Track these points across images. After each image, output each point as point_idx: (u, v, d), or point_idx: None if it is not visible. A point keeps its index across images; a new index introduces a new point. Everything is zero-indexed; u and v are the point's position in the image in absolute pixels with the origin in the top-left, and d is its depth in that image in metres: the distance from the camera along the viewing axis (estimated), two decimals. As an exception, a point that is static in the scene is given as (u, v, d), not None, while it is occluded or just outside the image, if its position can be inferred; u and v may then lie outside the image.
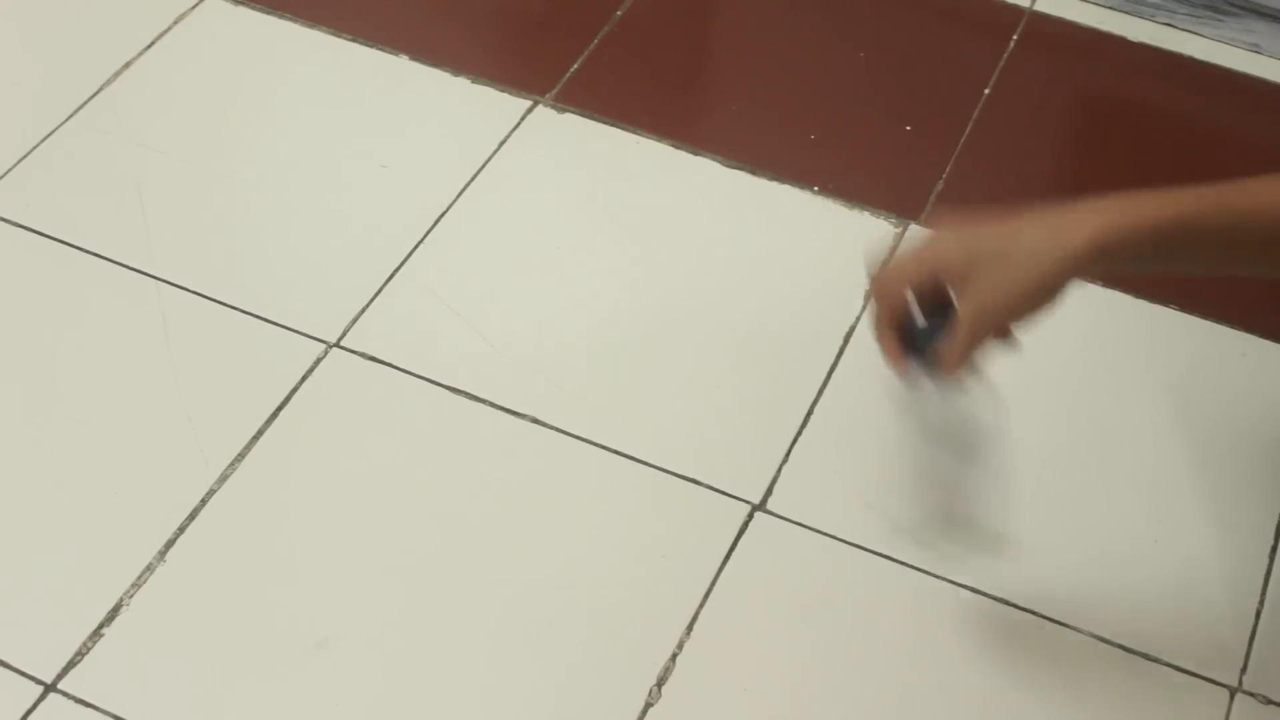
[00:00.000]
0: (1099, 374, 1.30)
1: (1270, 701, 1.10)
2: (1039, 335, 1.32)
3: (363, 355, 1.28)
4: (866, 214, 1.41)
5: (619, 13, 1.59)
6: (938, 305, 0.94)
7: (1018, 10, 1.62)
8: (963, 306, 0.91)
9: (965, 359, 0.93)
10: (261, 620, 1.11)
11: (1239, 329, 1.33)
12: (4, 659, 1.08)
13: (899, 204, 1.41)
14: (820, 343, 1.30)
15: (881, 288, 0.95)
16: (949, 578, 1.16)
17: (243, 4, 1.57)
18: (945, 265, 0.92)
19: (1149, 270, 0.94)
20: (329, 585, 1.14)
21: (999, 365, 0.97)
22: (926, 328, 0.94)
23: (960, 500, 1.05)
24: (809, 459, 1.22)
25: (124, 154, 1.42)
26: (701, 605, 1.13)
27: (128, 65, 1.50)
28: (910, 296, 0.94)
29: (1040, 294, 0.90)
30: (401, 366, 1.27)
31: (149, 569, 1.14)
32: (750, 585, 1.15)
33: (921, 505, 1.06)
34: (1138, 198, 0.90)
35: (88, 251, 1.34)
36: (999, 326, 0.92)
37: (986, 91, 1.53)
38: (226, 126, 1.46)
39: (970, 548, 1.07)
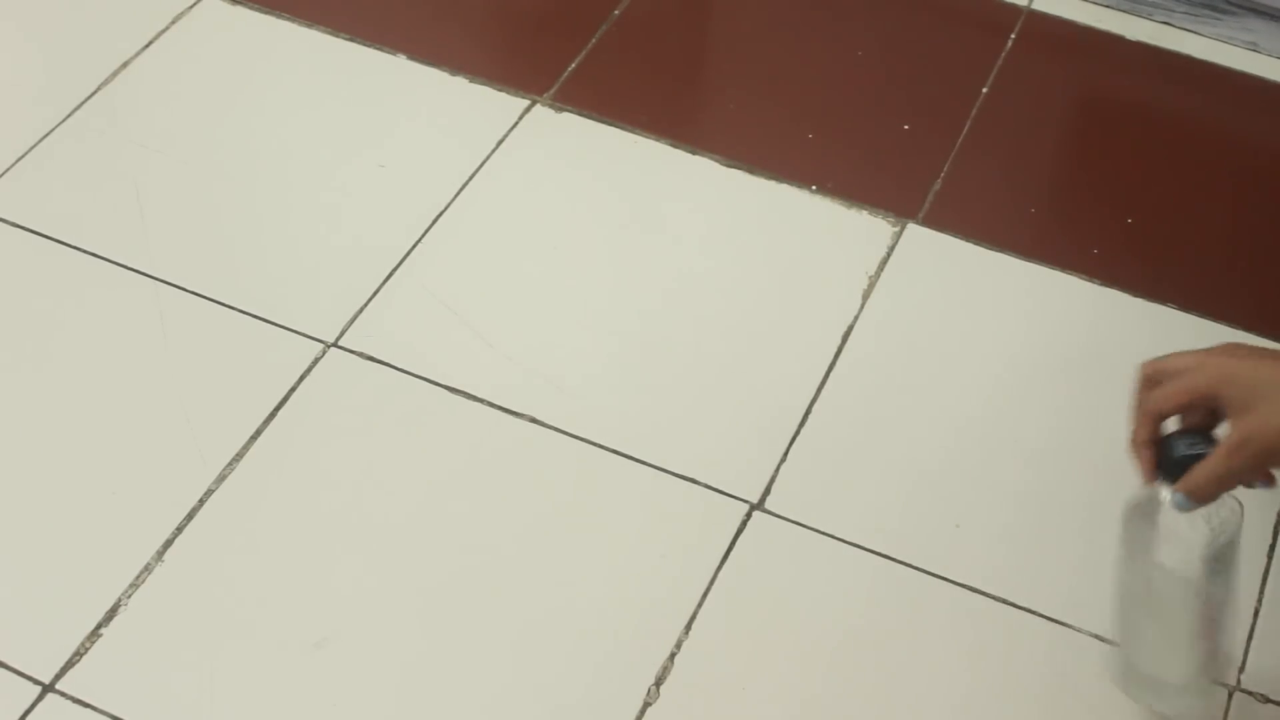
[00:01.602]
0: (1099, 374, 1.29)
1: (1268, 700, 1.10)
2: (1038, 335, 1.33)
3: (361, 355, 1.28)
4: (865, 213, 1.41)
5: (617, 12, 1.59)
6: (1204, 429, 0.91)
7: (1015, 9, 1.62)
8: (1233, 432, 0.88)
9: (1220, 485, 0.91)
10: (260, 620, 1.11)
11: (1239, 328, 1.33)
12: (2, 659, 1.08)
13: (897, 203, 1.41)
14: (818, 342, 1.30)
15: (1150, 401, 0.93)
16: (948, 576, 1.16)
17: (240, 4, 1.57)
18: (1226, 385, 0.89)
19: None
20: (327, 585, 1.13)
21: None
22: (1182, 446, 0.91)
23: (1219, 633, 1.01)
24: (807, 458, 1.22)
25: (122, 154, 1.42)
26: (700, 605, 1.13)
27: (125, 65, 1.50)
28: (1176, 415, 0.92)
29: None
30: (399, 366, 1.27)
31: (147, 569, 1.13)
32: (748, 585, 1.15)
33: (1191, 650, 1.01)
34: None
35: (85, 251, 1.34)
36: (1261, 461, 0.89)
37: (984, 90, 1.53)
38: (224, 126, 1.46)
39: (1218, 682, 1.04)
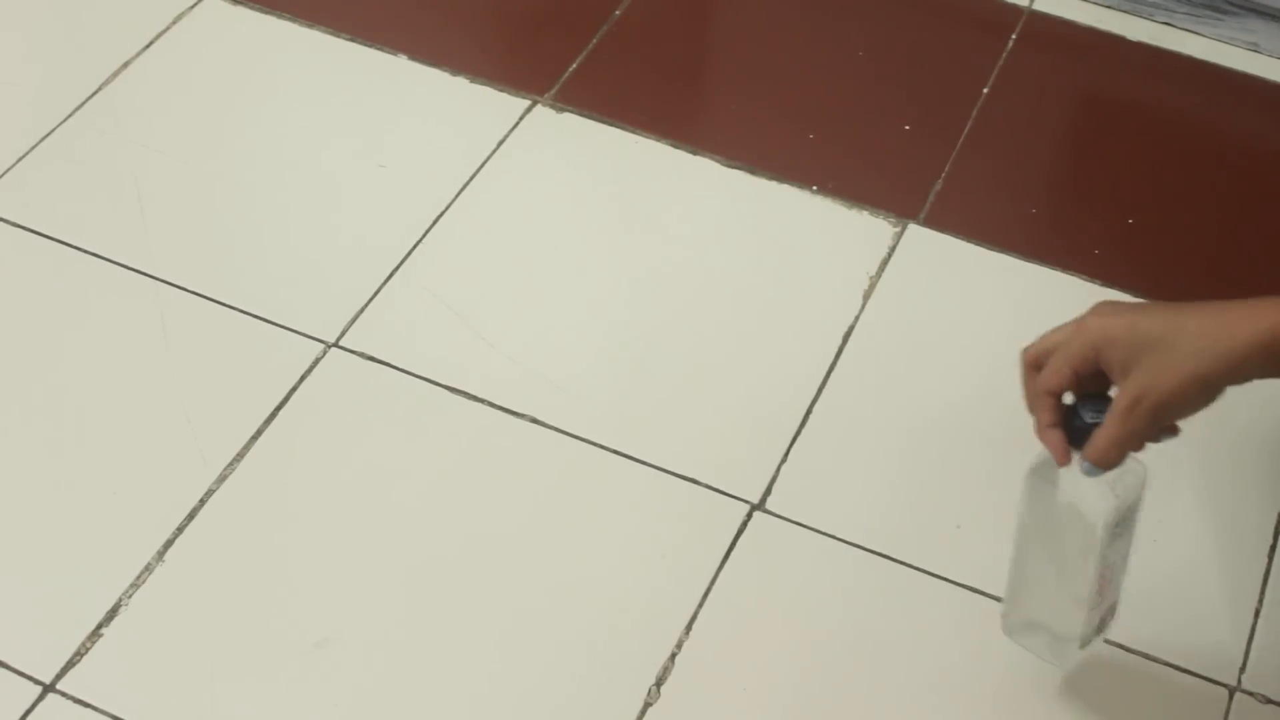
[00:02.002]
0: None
1: (1269, 701, 1.10)
2: (1038, 335, 1.33)
3: (361, 355, 1.28)
4: (865, 213, 1.41)
5: (617, 12, 1.59)
6: (1097, 392, 0.91)
7: (1016, 9, 1.62)
8: (1121, 394, 0.89)
9: (1121, 449, 0.90)
10: (260, 620, 1.11)
11: (1238, 328, 1.32)
12: (3, 659, 1.08)
13: (898, 203, 1.41)
14: (819, 342, 1.30)
15: (1039, 383, 0.92)
16: (948, 577, 1.16)
17: (241, 4, 1.57)
18: (1107, 347, 0.89)
19: None
20: (328, 585, 1.13)
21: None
22: (1086, 416, 0.91)
23: (1113, 590, 1.02)
24: (808, 459, 1.22)
25: (123, 154, 1.42)
26: (700, 605, 1.13)
27: (126, 65, 1.50)
28: (1068, 389, 0.92)
29: (1202, 391, 0.87)
30: (400, 366, 1.27)
31: (148, 569, 1.13)
32: (749, 585, 1.15)
33: (1085, 601, 1.02)
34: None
35: (86, 251, 1.34)
36: (1157, 419, 0.89)
37: (985, 91, 1.53)
38: (225, 126, 1.46)
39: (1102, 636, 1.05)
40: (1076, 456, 0.93)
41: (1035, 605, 1.06)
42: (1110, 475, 0.93)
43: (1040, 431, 0.94)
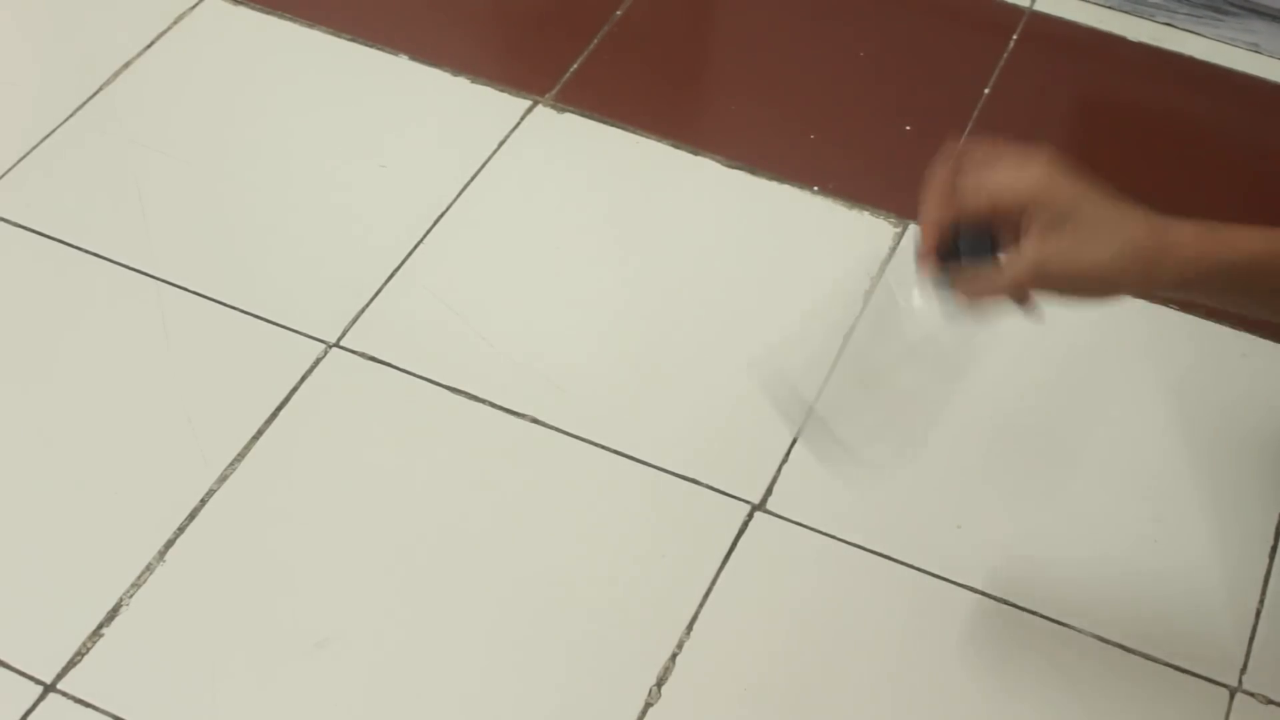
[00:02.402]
0: (1099, 374, 1.30)
1: (1270, 701, 1.10)
2: (1038, 336, 1.33)
3: (362, 355, 1.28)
4: (866, 214, 1.41)
5: (618, 12, 1.59)
6: (984, 225, 0.88)
7: (1018, 10, 1.62)
8: (1031, 250, 0.85)
9: (996, 300, 0.88)
10: (261, 620, 1.11)
11: (1239, 329, 1.33)
12: (4, 659, 1.08)
13: (899, 204, 1.41)
14: (819, 342, 1.30)
15: (962, 189, 0.88)
16: (949, 577, 1.16)
17: (242, 4, 1.57)
18: (1039, 206, 0.85)
19: (1202, 300, 0.91)
20: (328, 585, 1.14)
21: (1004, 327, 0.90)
22: (969, 244, 0.88)
23: (905, 414, 0.98)
24: (809, 459, 1.22)
25: (124, 154, 1.42)
26: (701, 605, 1.13)
27: (127, 65, 1.50)
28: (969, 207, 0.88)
29: (1100, 289, 0.86)
30: (401, 366, 1.27)
31: (149, 569, 1.14)
32: (750, 585, 1.15)
33: (863, 403, 0.99)
34: (1222, 227, 0.88)
35: (88, 252, 1.34)
36: (1048, 288, 0.86)
37: (986, 91, 1.53)
38: (226, 126, 1.46)
39: (881, 460, 1.00)
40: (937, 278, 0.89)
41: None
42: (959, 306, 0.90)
43: (926, 231, 0.90)
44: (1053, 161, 0.88)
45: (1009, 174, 0.87)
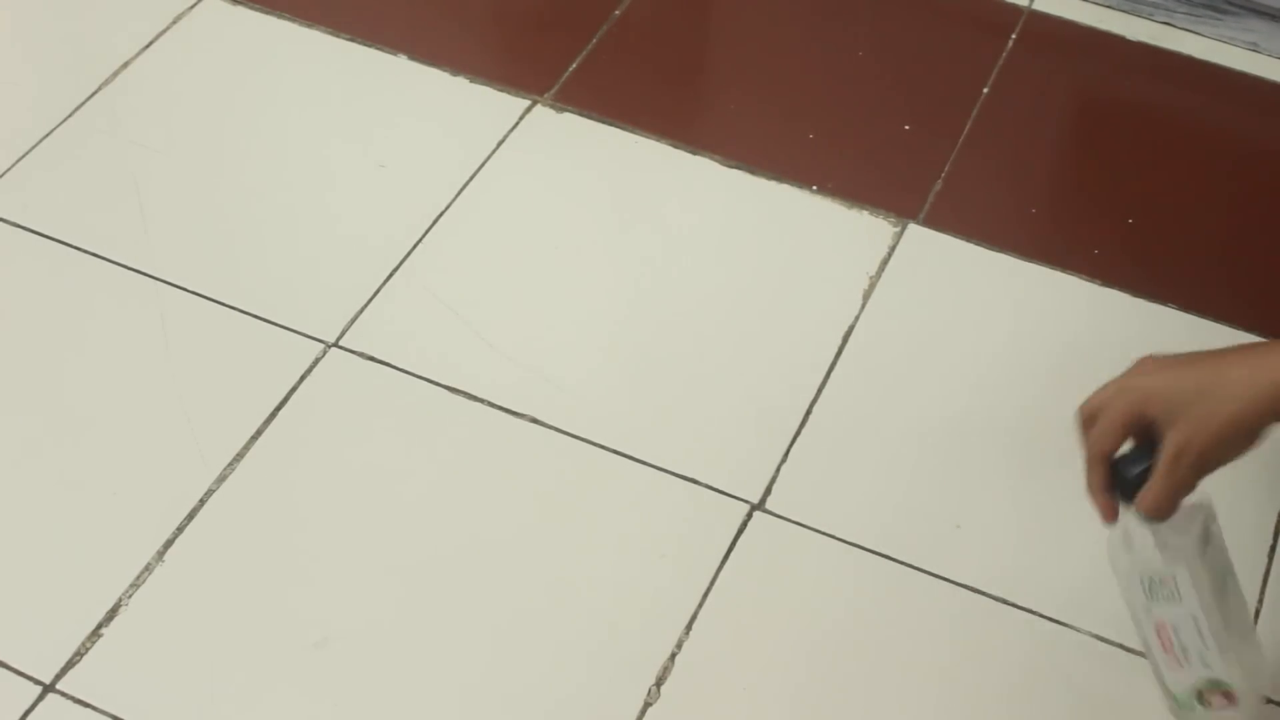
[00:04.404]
0: (1099, 373, 1.29)
1: (1270, 701, 1.10)
2: (1039, 336, 1.33)
3: (361, 355, 1.28)
4: (865, 213, 1.41)
5: (617, 12, 1.59)
6: (1146, 446, 0.93)
7: (1016, 9, 1.62)
8: (1167, 446, 0.91)
9: (1172, 499, 0.93)
10: (260, 620, 1.11)
11: (1239, 329, 1.33)
12: (2, 659, 1.08)
13: (898, 203, 1.41)
14: (819, 342, 1.30)
15: (1091, 444, 0.95)
16: (948, 577, 1.16)
17: (241, 4, 1.57)
18: (1149, 404, 0.92)
19: None
20: (328, 585, 1.13)
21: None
22: (1131, 468, 0.94)
23: (1197, 662, 0.99)
24: (808, 459, 1.22)
25: (123, 154, 1.42)
26: (700, 605, 1.13)
27: (126, 65, 1.50)
28: (1119, 447, 0.94)
29: (1242, 434, 0.90)
30: (400, 366, 1.27)
31: (148, 569, 1.13)
32: (749, 585, 1.15)
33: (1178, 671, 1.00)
34: None
35: (86, 252, 1.34)
36: (1202, 466, 0.91)
37: (985, 90, 1.53)
38: (225, 126, 1.46)
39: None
40: (1132, 516, 0.95)
41: (1158, 671, 1.03)
42: (1161, 529, 0.94)
43: (1091, 492, 0.96)
44: (1145, 360, 0.95)
45: (1114, 400, 0.94)
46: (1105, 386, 0.95)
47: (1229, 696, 0.99)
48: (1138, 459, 0.93)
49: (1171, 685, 1.01)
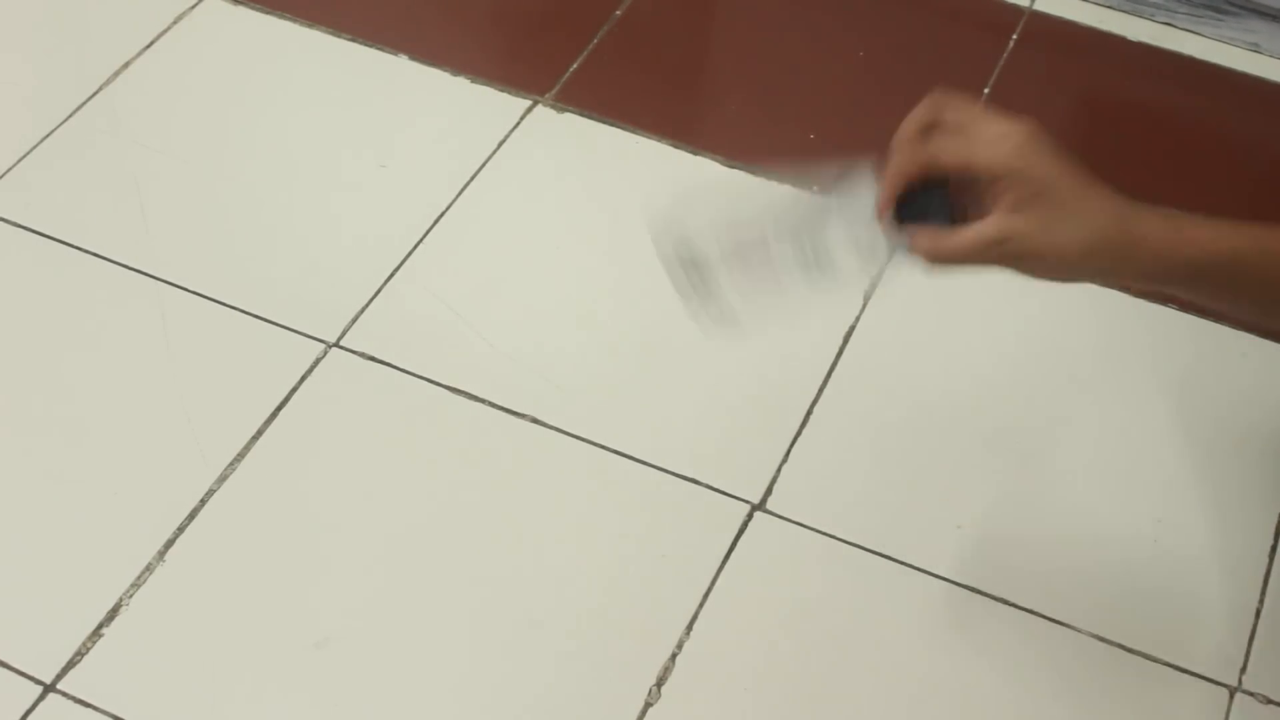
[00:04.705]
0: (1099, 373, 1.30)
1: (1270, 701, 1.10)
2: (1040, 336, 1.33)
3: (362, 355, 1.28)
4: (866, 213, 1.41)
5: (618, 12, 1.59)
6: (939, 178, 0.87)
7: (1017, 9, 1.62)
8: (997, 222, 0.84)
9: (955, 265, 0.85)
10: (261, 620, 1.11)
11: (1239, 329, 1.33)
12: (3, 659, 1.08)
13: (898, 203, 1.41)
14: (820, 343, 1.30)
15: (927, 154, 0.87)
16: (949, 577, 1.16)
17: (242, 4, 1.57)
18: (1014, 177, 0.84)
19: (1173, 293, 0.90)
20: (328, 585, 1.13)
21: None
22: (931, 200, 0.87)
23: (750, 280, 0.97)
24: (809, 459, 1.22)
25: (123, 154, 1.42)
26: (701, 605, 1.13)
27: (127, 65, 1.50)
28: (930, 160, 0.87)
29: (1069, 268, 0.84)
30: (401, 366, 1.27)
31: (148, 569, 1.14)
32: (750, 585, 1.15)
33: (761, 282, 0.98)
34: (1191, 222, 0.87)
35: (87, 251, 1.34)
36: (1006, 263, 0.85)
37: (986, 91, 1.53)
38: (226, 126, 1.46)
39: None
40: (890, 229, 0.89)
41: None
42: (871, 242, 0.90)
43: (886, 191, 0.89)
44: (1035, 135, 0.86)
45: (988, 138, 0.85)
46: (980, 114, 0.86)
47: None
48: (938, 199, 0.87)
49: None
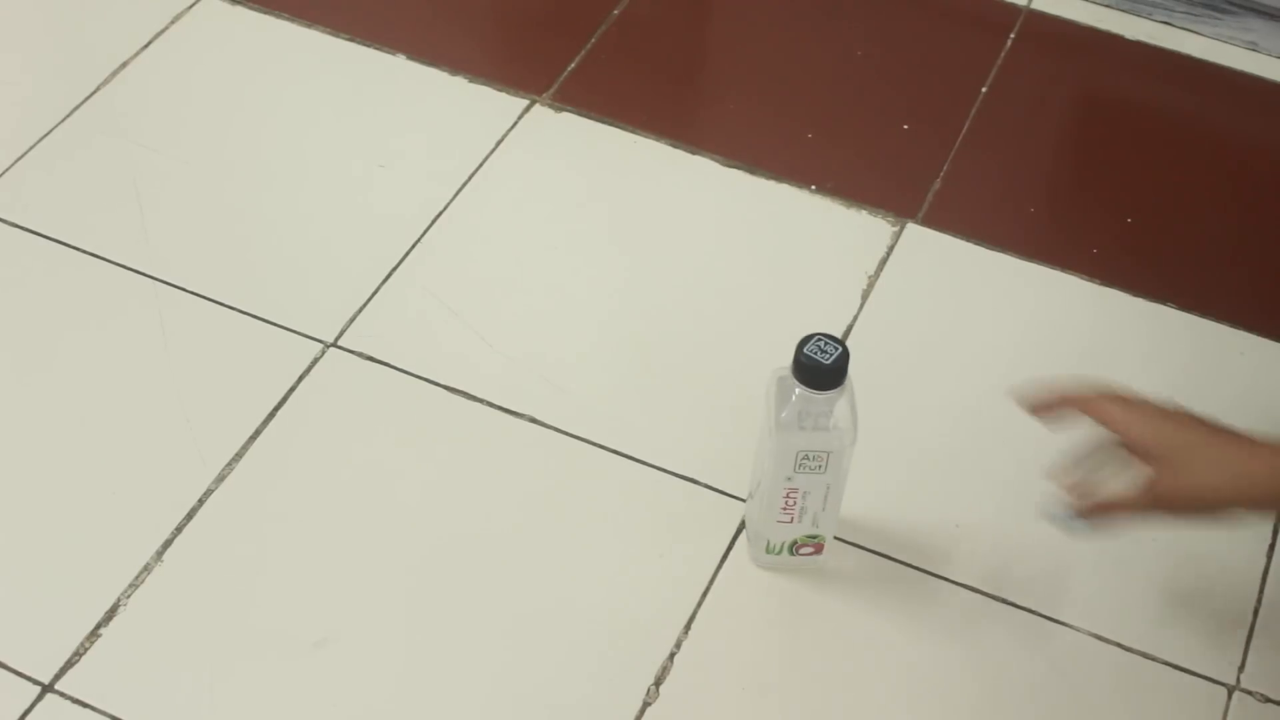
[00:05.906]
0: (1099, 373, 1.29)
1: (1268, 699, 1.10)
2: (1039, 335, 1.33)
3: (360, 355, 1.28)
4: (864, 213, 1.41)
5: (616, 11, 1.59)
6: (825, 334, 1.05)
7: (1015, 8, 1.62)
8: (1155, 485, 0.97)
9: (1124, 522, 1.01)
10: (259, 620, 1.11)
11: (1238, 328, 1.33)
12: (1, 659, 1.08)
13: (897, 203, 1.41)
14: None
15: (1112, 412, 1.01)
16: (948, 577, 1.16)
17: (240, 3, 1.57)
18: (1154, 445, 0.98)
19: None
20: (326, 585, 1.13)
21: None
22: (819, 354, 1.04)
23: (808, 519, 1.11)
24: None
25: (121, 154, 1.42)
26: (700, 605, 1.13)
27: (125, 65, 1.50)
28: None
29: (1219, 510, 0.97)
30: (399, 366, 1.27)
31: (146, 569, 1.13)
32: (749, 585, 1.15)
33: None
34: None
35: (85, 252, 1.34)
36: (1160, 509, 0.98)
37: (984, 90, 1.53)
38: (224, 126, 1.46)
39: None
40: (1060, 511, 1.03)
41: (754, 496, 1.13)
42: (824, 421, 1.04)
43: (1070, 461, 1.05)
44: (1188, 419, 0.99)
45: (1151, 421, 0.99)
46: (1136, 406, 1.00)
47: (818, 546, 1.13)
48: (820, 344, 1.05)
49: (772, 536, 1.12)
